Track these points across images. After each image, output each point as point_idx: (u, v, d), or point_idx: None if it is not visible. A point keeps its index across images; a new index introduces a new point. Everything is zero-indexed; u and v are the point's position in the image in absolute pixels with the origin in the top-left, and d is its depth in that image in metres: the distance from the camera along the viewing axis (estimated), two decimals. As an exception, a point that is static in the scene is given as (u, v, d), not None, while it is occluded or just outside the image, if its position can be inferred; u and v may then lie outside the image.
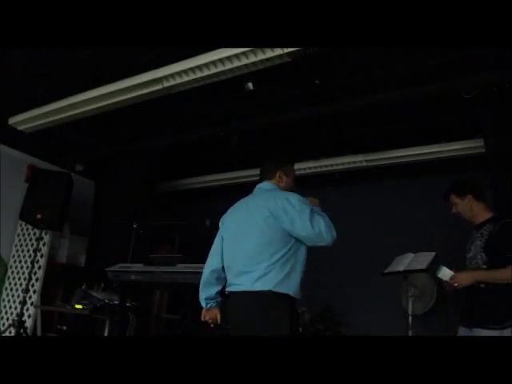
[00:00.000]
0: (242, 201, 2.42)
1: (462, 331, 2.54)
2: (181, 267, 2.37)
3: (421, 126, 4.07)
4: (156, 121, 4.24)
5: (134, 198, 4.90)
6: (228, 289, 2.23)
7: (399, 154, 4.26)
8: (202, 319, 2.33)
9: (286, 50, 2.69)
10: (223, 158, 4.95)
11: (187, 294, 3.15)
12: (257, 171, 5.20)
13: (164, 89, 3.31)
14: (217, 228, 2.40)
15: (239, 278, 2.12)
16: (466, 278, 2.48)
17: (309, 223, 2.10)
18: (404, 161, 4.29)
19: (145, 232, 3.97)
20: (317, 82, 3.58)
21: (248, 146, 4.57)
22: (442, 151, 4.07)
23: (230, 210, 2.44)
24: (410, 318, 3.43)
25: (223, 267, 2.29)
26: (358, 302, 4.70)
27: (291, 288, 2.06)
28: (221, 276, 2.31)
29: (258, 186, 2.46)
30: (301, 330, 4.48)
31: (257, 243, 2.11)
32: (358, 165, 4.45)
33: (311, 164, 4.71)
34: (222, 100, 3.78)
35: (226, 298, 2.27)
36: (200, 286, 2.33)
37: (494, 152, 3.28)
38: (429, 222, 4.42)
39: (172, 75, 3.17)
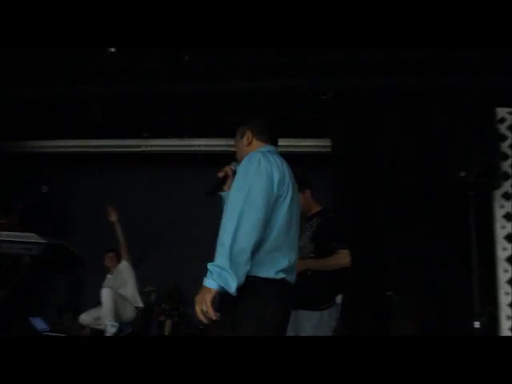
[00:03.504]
0: (283, 162, 1.84)
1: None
2: (2, 235, 2.13)
3: (282, 119, 4.24)
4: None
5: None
6: (279, 275, 1.78)
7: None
8: (208, 315, 1.61)
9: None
10: (81, 124, 4.57)
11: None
12: (118, 142, 4.96)
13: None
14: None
15: (293, 269, 1.88)
16: (297, 265, 2.68)
17: None
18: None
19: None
20: (186, 58, 3.50)
21: (109, 115, 4.29)
22: (297, 146, 4.31)
23: (282, 173, 1.77)
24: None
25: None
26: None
27: None
28: None
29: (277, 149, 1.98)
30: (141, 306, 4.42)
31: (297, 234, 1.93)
32: (219, 149, 4.44)
33: (174, 142, 4.63)
34: (81, 59, 3.46)
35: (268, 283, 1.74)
36: (234, 262, 1.59)
37: (337, 153, 3.56)
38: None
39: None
